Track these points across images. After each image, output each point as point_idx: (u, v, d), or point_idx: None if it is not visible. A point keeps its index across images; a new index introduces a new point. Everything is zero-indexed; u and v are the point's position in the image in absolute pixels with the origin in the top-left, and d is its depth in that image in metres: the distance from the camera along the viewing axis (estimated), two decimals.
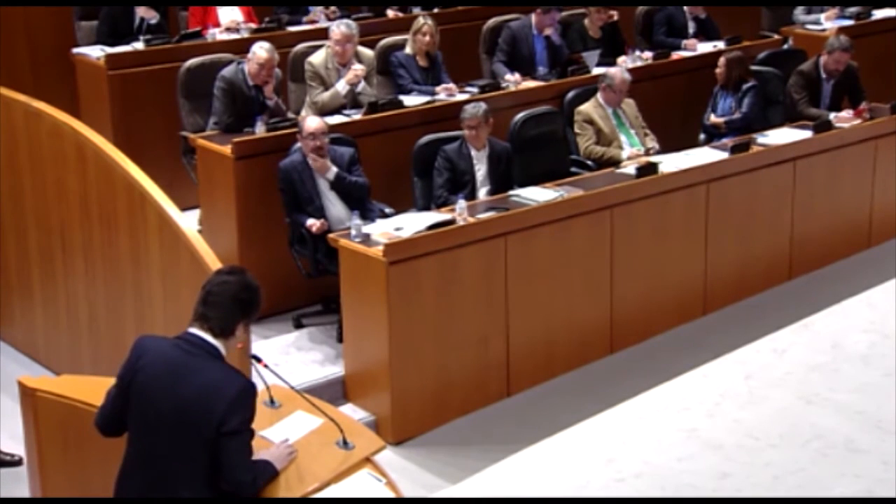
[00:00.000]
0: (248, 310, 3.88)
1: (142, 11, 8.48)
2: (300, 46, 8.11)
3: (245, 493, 3.80)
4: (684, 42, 9.50)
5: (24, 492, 5.02)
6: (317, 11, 9.23)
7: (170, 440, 3.78)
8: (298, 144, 6.76)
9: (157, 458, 3.81)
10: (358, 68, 7.72)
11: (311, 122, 6.71)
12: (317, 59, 7.75)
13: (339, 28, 7.72)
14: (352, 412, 6.18)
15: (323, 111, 7.59)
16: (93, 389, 4.43)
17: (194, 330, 3.83)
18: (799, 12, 10.47)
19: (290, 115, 7.59)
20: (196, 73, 7.68)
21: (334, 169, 6.71)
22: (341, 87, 7.68)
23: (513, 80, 8.41)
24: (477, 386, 6.48)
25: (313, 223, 6.60)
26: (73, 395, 4.55)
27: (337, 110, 7.65)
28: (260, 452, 3.90)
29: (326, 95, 7.67)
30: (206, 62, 7.73)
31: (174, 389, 3.76)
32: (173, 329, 3.95)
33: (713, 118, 8.48)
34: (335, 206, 6.77)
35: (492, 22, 9.11)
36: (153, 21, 8.52)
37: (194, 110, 7.66)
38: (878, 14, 10.59)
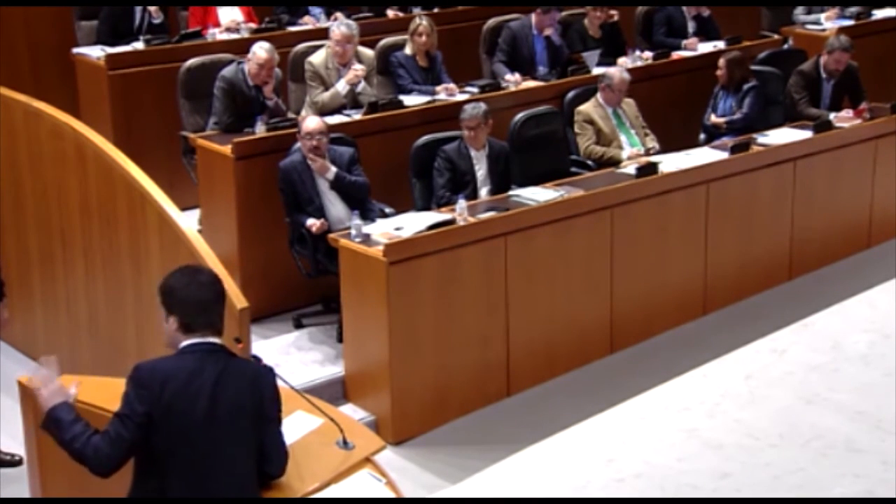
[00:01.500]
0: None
1: (151, 8, 8.49)
2: (300, 46, 8.11)
3: (282, 475, 3.87)
4: (684, 42, 9.50)
5: (24, 492, 5.02)
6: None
7: (231, 444, 3.75)
8: (298, 144, 6.76)
9: (219, 471, 3.76)
10: (358, 68, 7.72)
11: (310, 123, 6.71)
12: (317, 59, 7.75)
13: (340, 28, 7.72)
14: (352, 412, 6.18)
15: (323, 111, 7.58)
16: (93, 389, 4.43)
17: (204, 339, 3.77)
18: (799, 12, 10.47)
19: (290, 115, 7.59)
20: (196, 73, 7.68)
21: (333, 169, 6.71)
22: (341, 87, 7.68)
23: (513, 80, 8.40)
24: (477, 386, 6.48)
25: (313, 223, 6.60)
26: None
27: (337, 110, 7.65)
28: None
29: (326, 95, 7.67)
30: (206, 62, 7.73)
31: (226, 394, 3.72)
32: None
33: (713, 118, 8.48)
34: (335, 206, 6.77)
35: (492, 22, 9.11)
36: (157, 21, 8.52)
37: (194, 110, 7.66)
38: (878, 14, 10.58)
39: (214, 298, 3.81)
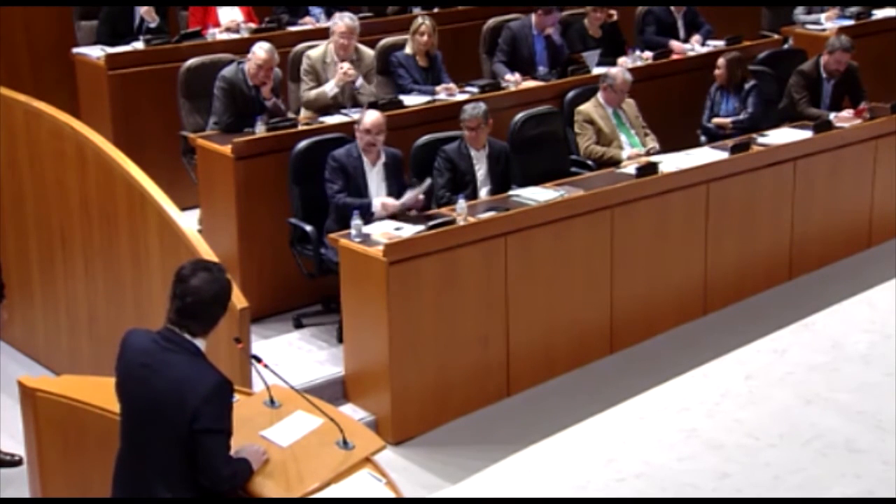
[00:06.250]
0: (226, 304, 3.91)
1: (143, 12, 8.47)
2: (300, 46, 8.09)
3: (223, 487, 3.81)
4: (672, 42, 9.42)
5: (24, 492, 5.02)
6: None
7: (146, 436, 3.82)
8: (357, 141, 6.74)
9: (137, 455, 3.86)
10: (345, 67, 7.64)
11: (367, 118, 6.68)
12: (315, 52, 7.73)
13: (344, 20, 7.69)
14: (352, 412, 6.18)
15: (308, 108, 7.57)
16: (93, 389, 4.44)
17: (174, 328, 3.85)
18: (799, 12, 10.46)
19: (291, 115, 7.58)
20: (196, 73, 7.68)
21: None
22: (329, 87, 7.64)
23: (513, 80, 8.40)
24: (477, 386, 6.48)
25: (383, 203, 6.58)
26: (73, 395, 4.55)
27: (335, 109, 7.64)
28: (235, 451, 3.92)
29: (313, 93, 7.64)
30: (206, 62, 7.73)
31: (149, 385, 3.80)
32: None
33: (718, 119, 8.46)
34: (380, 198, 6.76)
35: (492, 22, 9.11)
36: (153, 25, 8.51)
37: (194, 110, 7.66)
38: (878, 14, 10.58)
39: (204, 304, 3.83)
